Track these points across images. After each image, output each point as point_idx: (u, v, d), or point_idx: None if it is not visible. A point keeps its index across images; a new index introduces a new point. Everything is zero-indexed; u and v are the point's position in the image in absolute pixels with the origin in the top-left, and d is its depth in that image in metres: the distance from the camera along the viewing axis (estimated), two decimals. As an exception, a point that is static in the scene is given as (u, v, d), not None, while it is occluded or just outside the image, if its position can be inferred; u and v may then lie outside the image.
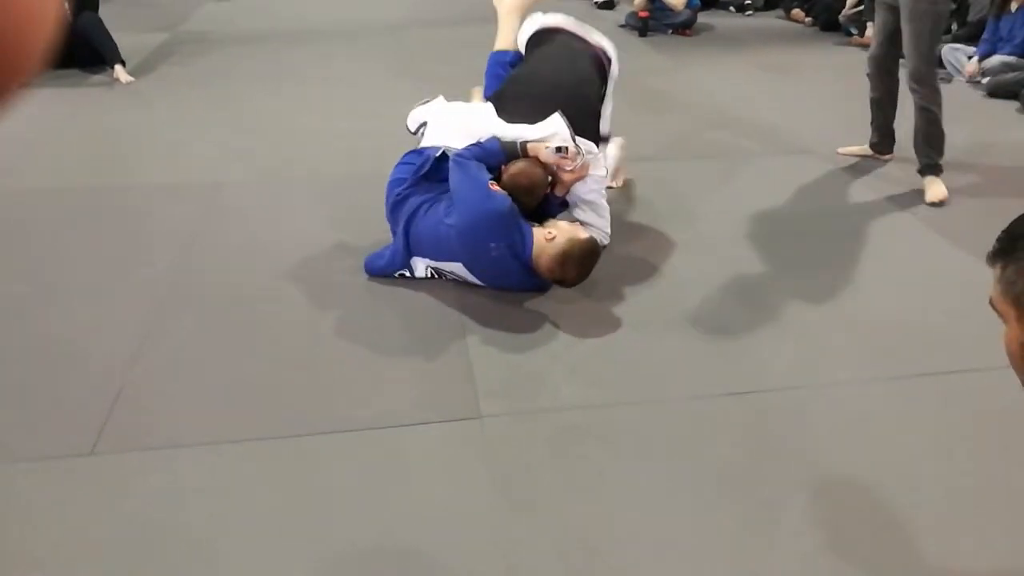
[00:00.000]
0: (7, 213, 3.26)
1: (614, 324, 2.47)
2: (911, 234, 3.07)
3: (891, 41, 3.35)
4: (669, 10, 6.59)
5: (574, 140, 2.61)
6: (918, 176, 3.37)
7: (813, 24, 7.03)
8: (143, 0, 7.79)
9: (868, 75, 3.54)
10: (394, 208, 2.67)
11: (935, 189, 3.28)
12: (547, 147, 2.59)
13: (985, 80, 4.91)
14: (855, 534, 1.71)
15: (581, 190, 2.73)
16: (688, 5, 6.61)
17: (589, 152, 2.69)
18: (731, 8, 7.77)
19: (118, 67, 5.12)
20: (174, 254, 2.89)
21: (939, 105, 3.27)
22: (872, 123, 3.66)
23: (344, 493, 1.82)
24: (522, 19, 2.99)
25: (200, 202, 3.33)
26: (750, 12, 7.68)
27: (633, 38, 6.48)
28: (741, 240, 3.00)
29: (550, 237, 2.46)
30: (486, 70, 3.01)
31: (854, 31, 6.42)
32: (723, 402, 2.12)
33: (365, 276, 2.72)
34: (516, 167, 2.61)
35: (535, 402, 2.13)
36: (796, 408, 2.10)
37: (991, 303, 1.01)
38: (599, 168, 2.75)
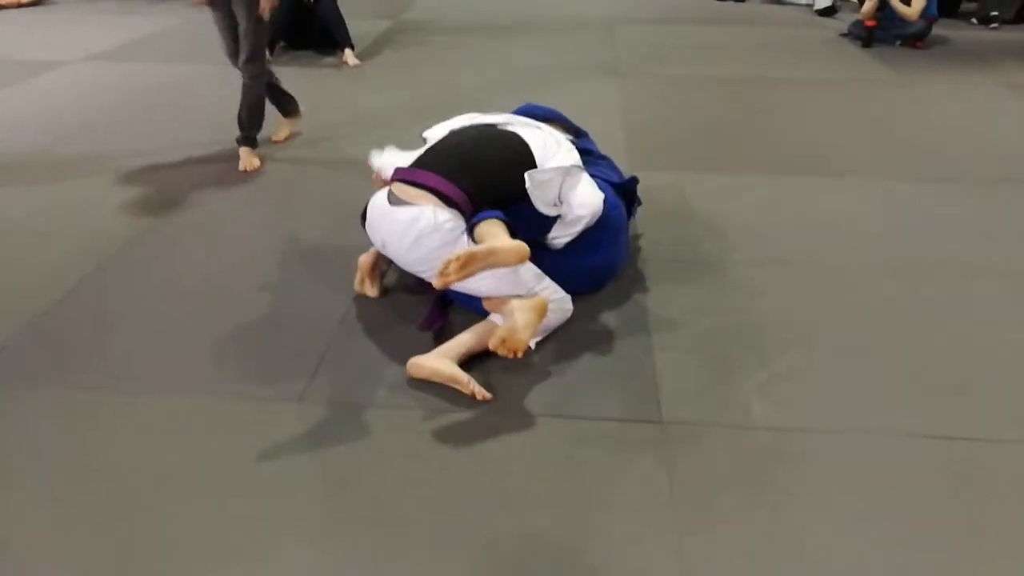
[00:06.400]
0: (245, 177, 3.63)
1: (811, 347, 2.35)
2: None
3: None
4: (900, 19, 6.10)
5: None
6: None
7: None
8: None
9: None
10: None
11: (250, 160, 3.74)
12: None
13: None
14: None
15: None
16: (923, 14, 6.07)
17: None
18: (973, 20, 7.08)
19: (348, 51, 5.53)
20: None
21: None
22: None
23: (519, 478, 1.87)
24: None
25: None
26: (995, 25, 6.96)
27: (855, 49, 6.09)
28: (969, 271, 2.75)
29: None
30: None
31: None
32: (930, 445, 1.96)
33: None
34: None
35: (721, 416, 2.07)
36: (1016, 462, 1.90)
37: None
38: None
